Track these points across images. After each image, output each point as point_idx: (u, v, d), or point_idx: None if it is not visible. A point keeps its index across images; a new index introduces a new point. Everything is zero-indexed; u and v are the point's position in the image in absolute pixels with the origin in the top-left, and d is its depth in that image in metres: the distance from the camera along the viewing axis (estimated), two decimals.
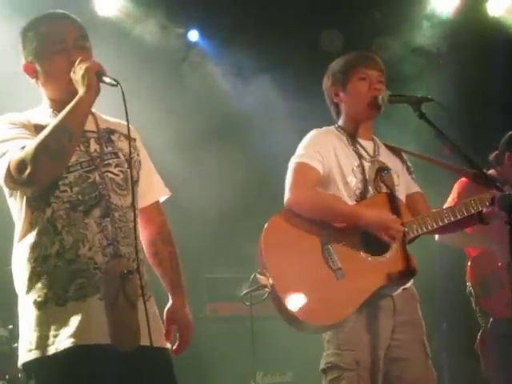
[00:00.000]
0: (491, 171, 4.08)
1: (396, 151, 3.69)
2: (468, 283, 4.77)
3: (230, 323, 6.23)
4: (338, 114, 3.63)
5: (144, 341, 2.72)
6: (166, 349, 2.88)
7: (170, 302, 3.03)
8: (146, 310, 2.70)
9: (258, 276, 3.31)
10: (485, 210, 3.50)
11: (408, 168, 3.69)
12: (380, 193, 3.50)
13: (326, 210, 3.38)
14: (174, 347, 2.98)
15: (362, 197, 3.45)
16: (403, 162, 3.69)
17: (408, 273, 3.38)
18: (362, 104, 3.52)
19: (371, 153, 3.57)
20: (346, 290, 3.28)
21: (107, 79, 2.69)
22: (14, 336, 4.55)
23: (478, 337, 4.75)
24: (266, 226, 3.36)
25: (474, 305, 4.74)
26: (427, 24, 6.90)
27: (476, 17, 6.64)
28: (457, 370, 6.50)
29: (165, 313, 3.00)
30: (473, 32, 6.63)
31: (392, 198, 3.49)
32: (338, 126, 3.60)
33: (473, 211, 3.50)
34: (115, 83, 2.68)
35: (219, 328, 6.19)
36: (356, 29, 6.44)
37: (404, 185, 3.60)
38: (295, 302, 3.24)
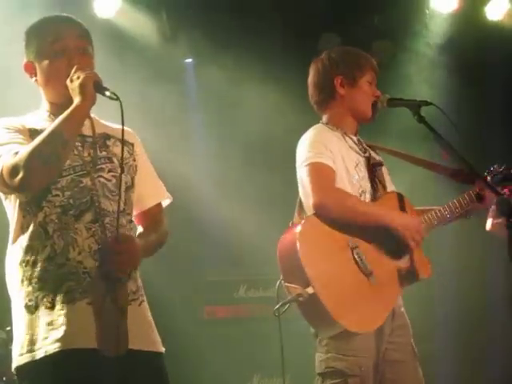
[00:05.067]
0: None
1: (374, 149, 3.67)
2: None
3: (227, 326, 6.22)
4: (328, 104, 3.56)
5: (135, 345, 2.72)
6: (158, 353, 2.85)
7: None
8: (136, 315, 2.73)
9: (288, 285, 3.23)
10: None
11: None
12: (390, 192, 3.51)
13: (355, 212, 3.31)
14: None
15: (363, 194, 3.44)
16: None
17: (425, 274, 3.41)
18: (367, 105, 3.52)
19: (362, 149, 3.56)
20: (380, 294, 3.29)
21: (107, 93, 2.68)
22: (12, 338, 4.53)
23: None
24: (298, 231, 3.27)
25: None
26: (426, 28, 6.90)
27: (474, 21, 6.64)
28: (453, 370, 6.52)
29: None
30: (471, 36, 6.63)
31: (400, 198, 3.50)
32: (327, 124, 3.55)
33: (465, 207, 3.57)
34: (115, 97, 2.67)
35: (217, 331, 6.18)
36: (354, 32, 6.44)
37: (388, 182, 3.60)
38: (340, 311, 3.18)
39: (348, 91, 3.53)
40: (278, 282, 3.30)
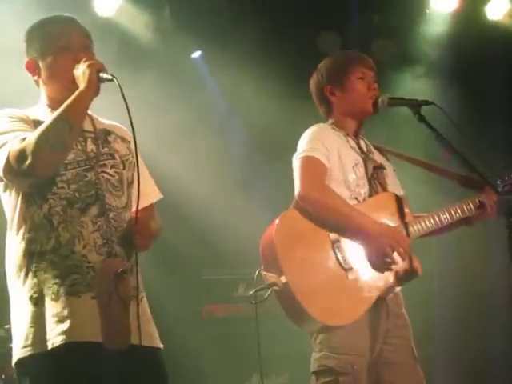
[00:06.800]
0: None
1: (382, 151, 3.69)
2: None
3: (226, 324, 6.23)
4: (329, 113, 3.62)
5: (135, 340, 2.75)
6: (157, 348, 2.88)
7: None
8: (138, 310, 2.74)
9: (265, 273, 3.27)
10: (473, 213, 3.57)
11: (394, 170, 3.69)
12: (386, 192, 3.51)
13: (337, 212, 3.31)
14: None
15: (359, 194, 3.44)
16: (389, 162, 3.69)
17: (413, 272, 3.39)
18: (361, 102, 3.54)
19: (365, 151, 3.57)
20: (358, 289, 3.28)
21: (104, 75, 2.73)
22: (11, 336, 4.53)
23: None
24: (277, 222, 3.31)
25: None
26: (425, 27, 6.90)
27: (475, 20, 6.64)
28: (453, 371, 6.52)
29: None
30: (471, 35, 6.63)
31: (398, 198, 3.50)
32: (332, 123, 3.59)
33: (467, 213, 3.56)
34: (111, 78, 2.71)
35: (216, 329, 6.18)
36: (354, 31, 6.44)
37: (392, 186, 3.60)
38: (311, 301, 3.20)
39: (340, 96, 3.59)
40: (257, 272, 3.33)
